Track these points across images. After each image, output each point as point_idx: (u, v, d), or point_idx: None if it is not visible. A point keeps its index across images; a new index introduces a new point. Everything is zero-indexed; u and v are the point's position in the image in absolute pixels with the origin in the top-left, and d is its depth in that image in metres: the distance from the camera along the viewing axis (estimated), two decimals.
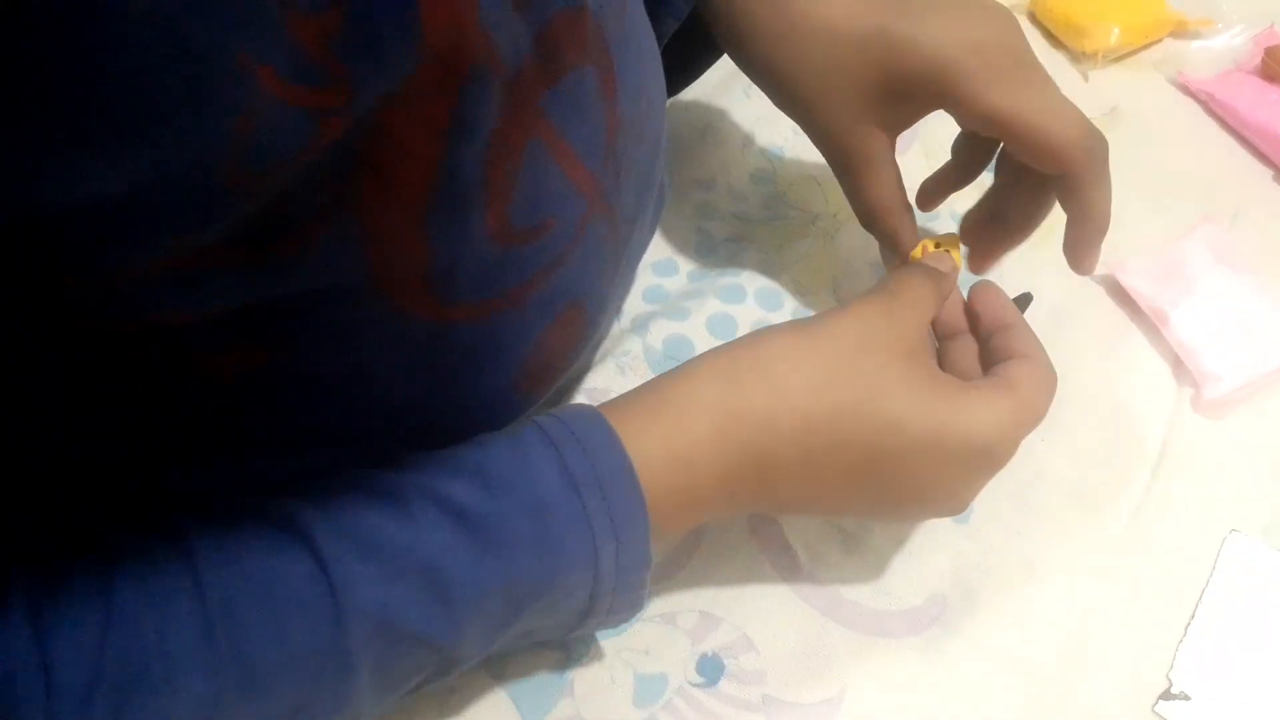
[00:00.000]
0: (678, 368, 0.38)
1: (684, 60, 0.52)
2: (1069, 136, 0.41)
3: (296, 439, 0.34)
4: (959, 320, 0.44)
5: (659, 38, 0.46)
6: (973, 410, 0.36)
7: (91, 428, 0.32)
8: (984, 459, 0.37)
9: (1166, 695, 0.42)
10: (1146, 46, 0.64)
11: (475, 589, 0.32)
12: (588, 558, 0.34)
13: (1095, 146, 0.41)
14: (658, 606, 0.44)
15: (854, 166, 0.45)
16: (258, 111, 0.23)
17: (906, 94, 0.43)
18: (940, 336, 0.44)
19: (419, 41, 0.25)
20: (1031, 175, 0.44)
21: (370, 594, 0.30)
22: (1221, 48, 0.63)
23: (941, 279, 0.43)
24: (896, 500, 0.39)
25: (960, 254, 0.47)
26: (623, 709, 0.42)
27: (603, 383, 0.50)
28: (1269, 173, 0.58)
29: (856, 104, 0.44)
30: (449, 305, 0.33)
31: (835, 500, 0.39)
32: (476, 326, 0.35)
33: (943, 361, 0.43)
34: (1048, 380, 0.39)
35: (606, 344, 0.52)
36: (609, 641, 0.43)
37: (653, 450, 0.35)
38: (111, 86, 0.20)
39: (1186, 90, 0.61)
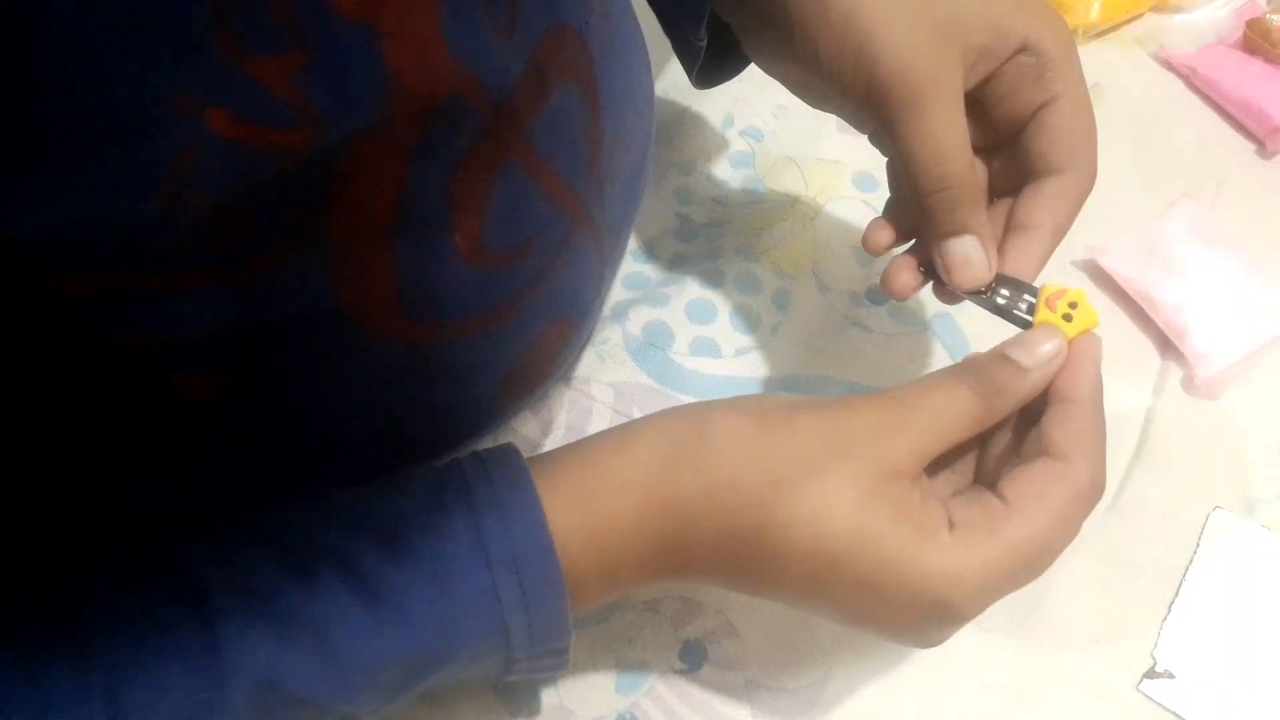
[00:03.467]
0: (622, 432, 0.35)
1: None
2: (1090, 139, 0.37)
3: (270, 458, 0.34)
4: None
5: (686, 46, 0.44)
6: (930, 557, 0.31)
7: (57, 444, 0.32)
8: (936, 614, 0.32)
9: (1151, 674, 0.42)
10: (1128, 21, 0.63)
11: (369, 656, 0.30)
12: (495, 631, 0.32)
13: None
14: (640, 593, 0.44)
15: (915, 99, 0.34)
16: (199, 149, 0.22)
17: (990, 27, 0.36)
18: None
19: (384, 78, 0.25)
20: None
21: (256, 655, 0.29)
22: (1203, 21, 0.63)
23: (1001, 394, 0.33)
24: (844, 622, 0.35)
25: (1089, 315, 0.35)
26: (606, 696, 0.41)
27: (583, 372, 0.50)
28: (1251, 146, 0.57)
29: (930, 25, 0.35)
30: (424, 327, 0.33)
31: (774, 599, 0.35)
32: (455, 347, 0.35)
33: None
34: (1066, 505, 0.31)
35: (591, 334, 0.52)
36: (591, 629, 0.42)
37: (576, 531, 0.33)
38: (35, 128, 0.20)
39: (1168, 65, 0.61)
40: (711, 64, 0.45)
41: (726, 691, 0.42)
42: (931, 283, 0.39)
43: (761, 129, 0.59)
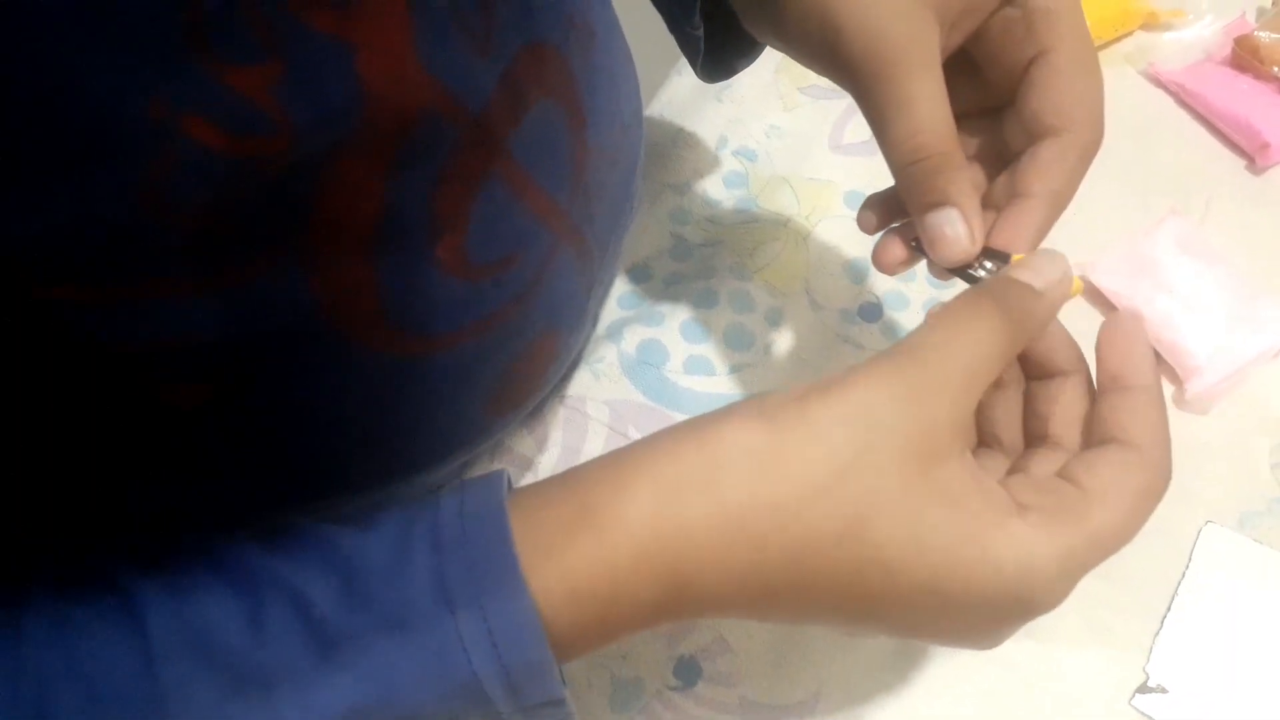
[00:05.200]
0: (618, 460, 0.29)
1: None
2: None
3: (264, 466, 0.35)
4: (1066, 357, 0.32)
5: (691, 38, 0.43)
6: (1000, 550, 0.27)
7: (56, 447, 0.32)
8: (1011, 611, 0.28)
9: (1143, 689, 0.42)
10: (1118, 39, 0.64)
11: (317, 709, 0.27)
12: (468, 683, 0.28)
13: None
14: None
15: (883, 70, 0.32)
16: (178, 157, 0.23)
17: None
18: (1031, 375, 0.33)
19: (359, 91, 0.26)
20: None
21: (200, 703, 0.27)
22: (1192, 39, 0.63)
23: (1023, 314, 0.30)
24: (901, 634, 0.30)
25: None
26: (600, 714, 0.42)
27: (579, 390, 0.50)
28: (1241, 162, 0.58)
29: None
30: (409, 340, 0.33)
31: (819, 625, 0.30)
32: (441, 360, 0.35)
33: (1027, 415, 0.33)
34: (1142, 497, 0.29)
35: (582, 351, 0.52)
36: None
37: (555, 579, 0.28)
38: (10, 135, 0.21)
39: (1158, 82, 0.61)
40: (718, 57, 0.44)
41: (721, 708, 0.42)
42: (925, 261, 0.36)
43: (755, 149, 0.60)
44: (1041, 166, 0.33)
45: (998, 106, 0.36)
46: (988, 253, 0.33)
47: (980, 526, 0.27)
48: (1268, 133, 0.57)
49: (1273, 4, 0.63)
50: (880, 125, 0.33)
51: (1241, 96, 0.59)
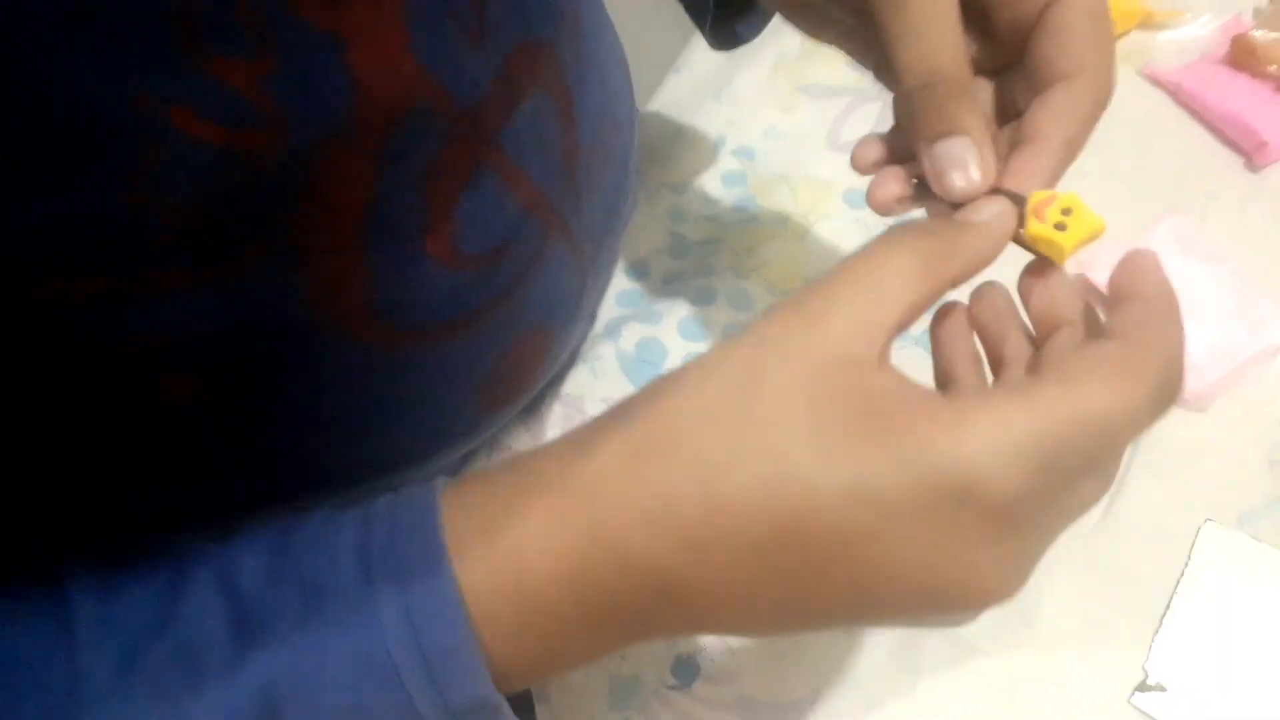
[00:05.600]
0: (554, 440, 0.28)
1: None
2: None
3: (252, 459, 0.35)
4: (1068, 307, 0.30)
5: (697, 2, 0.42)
6: (920, 434, 0.23)
7: (54, 445, 0.32)
8: (955, 511, 0.23)
9: (1143, 687, 0.42)
10: (1115, 39, 0.64)
11: (229, 695, 0.25)
12: (382, 665, 0.25)
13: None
14: None
15: None
16: (167, 149, 0.23)
17: None
18: (1040, 338, 0.30)
19: (350, 84, 0.26)
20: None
21: (106, 684, 0.25)
22: (1189, 38, 0.63)
23: (950, 249, 0.27)
24: (853, 603, 0.25)
25: (1087, 221, 0.29)
26: (598, 713, 0.42)
27: (576, 389, 0.50)
28: (1238, 160, 0.58)
29: None
30: (398, 332, 0.33)
31: (766, 615, 0.26)
32: (429, 352, 0.35)
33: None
34: (1123, 375, 0.24)
35: (579, 348, 0.52)
36: None
37: (475, 540, 0.26)
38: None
39: (1155, 81, 0.61)
40: (725, 22, 0.44)
41: (719, 706, 0.42)
42: (925, 209, 0.34)
43: (753, 148, 0.60)
44: (1053, 112, 0.31)
45: (1004, 67, 0.34)
46: (998, 194, 0.31)
47: (895, 416, 0.24)
48: (1265, 131, 0.57)
49: (1269, 3, 0.63)
50: (891, 48, 0.31)
51: (1239, 95, 0.59)
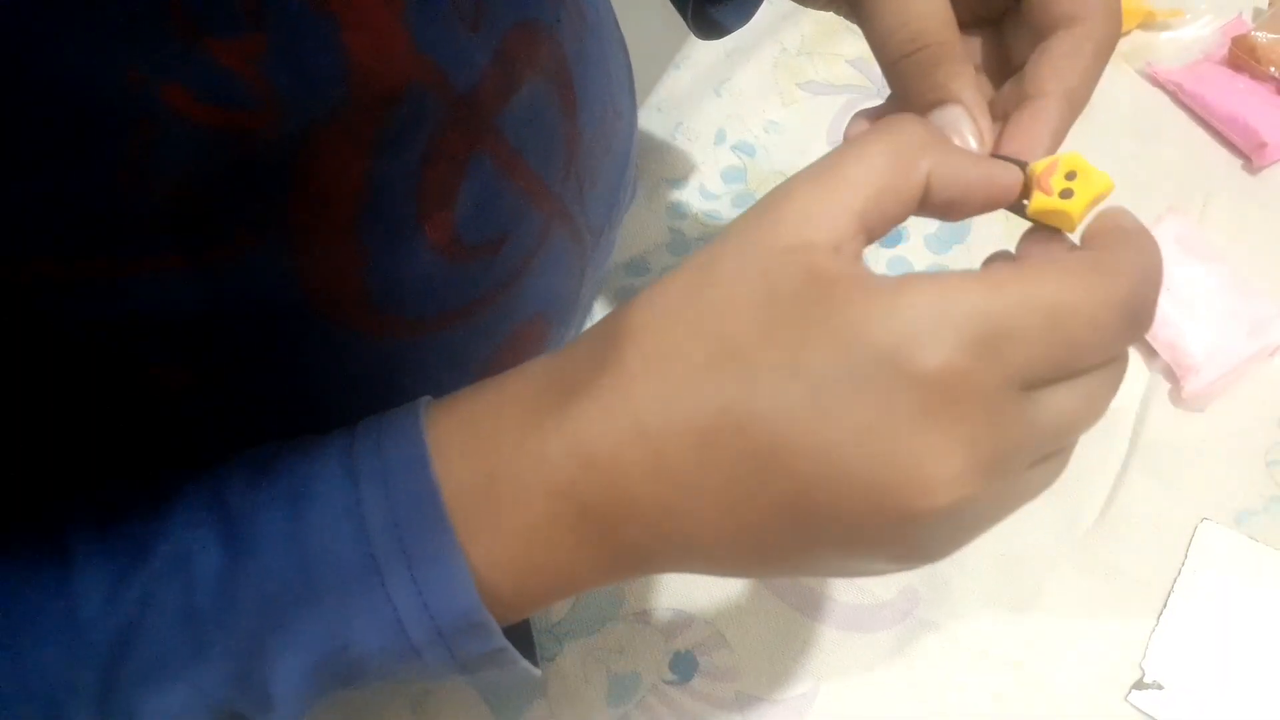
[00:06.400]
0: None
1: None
2: None
3: (245, 448, 0.34)
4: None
5: None
6: (864, 301, 0.23)
7: (35, 431, 0.32)
8: (896, 376, 0.22)
9: (1139, 685, 0.42)
10: None
11: (227, 602, 0.26)
12: (369, 578, 0.26)
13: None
14: (631, 605, 0.44)
15: None
16: (157, 128, 0.23)
17: None
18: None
19: (345, 65, 0.25)
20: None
21: (113, 610, 0.26)
22: (1190, 38, 0.63)
23: (917, 141, 0.26)
24: (806, 516, 0.24)
25: (1094, 185, 0.27)
26: (597, 708, 0.42)
27: None
28: (1238, 161, 0.58)
29: None
30: (395, 321, 0.33)
31: (756, 560, 0.26)
32: (427, 343, 0.35)
33: None
34: (1091, 275, 0.23)
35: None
36: (582, 641, 0.43)
37: (456, 438, 0.27)
38: None
39: (1155, 81, 0.61)
40: (707, 13, 0.43)
41: (717, 702, 0.42)
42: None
43: (753, 144, 0.60)
44: (1054, 62, 0.29)
45: (998, 16, 0.32)
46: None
47: (833, 288, 0.23)
48: (1265, 132, 0.57)
49: (1269, 4, 0.63)
50: (874, 18, 0.29)
51: (1239, 96, 0.59)
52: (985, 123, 0.29)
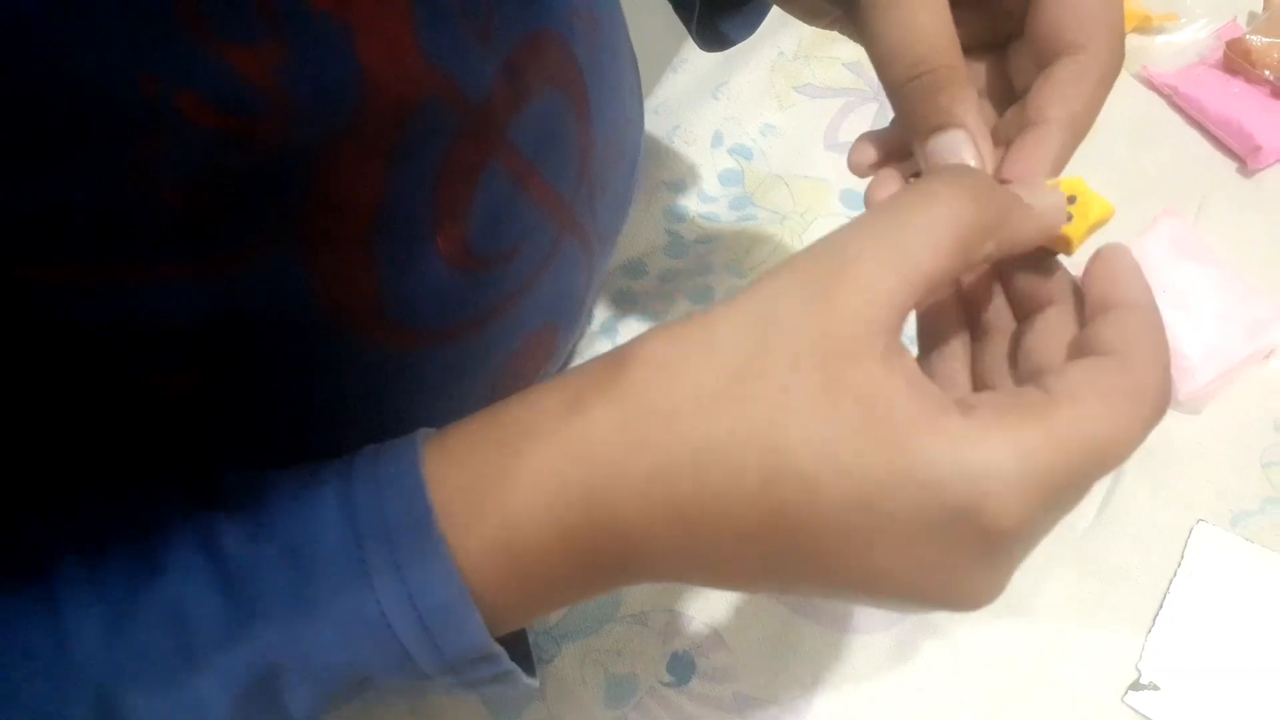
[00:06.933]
0: (533, 387, 0.28)
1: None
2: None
3: (252, 458, 0.34)
4: (1056, 286, 0.28)
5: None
6: (932, 451, 0.22)
7: (40, 438, 0.32)
8: (962, 532, 0.23)
9: (1136, 686, 0.42)
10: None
11: (224, 650, 0.26)
12: (374, 620, 0.26)
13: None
14: (629, 606, 0.44)
15: None
16: (170, 134, 0.23)
17: None
18: (1020, 315, 0.29)
19: (358, 76, 0.25)
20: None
21: (102, 657, 0.25)
22: (1185, 42, 0.63)
23: (990, 204, 0.25)
24: (836, 588, 0.25)
25: (1095, 208, 0.28)
26: (594, 710, 0.42)
27: None
28: (1233, 164, 0.58)
29: None
30: (407, 332, 0.33)
31: (748, 583, 0.26)
32: (438, 353, 0.35)
33: (1018, 357, 0.28)
34: (1125, 398, 0.24)
35: (577, 345, 0.52)
36: (580, 643, 0.43)
37: (457, 493, 0.26)
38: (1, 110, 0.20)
39: (1150, 84, 0.62)
40: (714, 25, 0.43)
41: (714, 704, 0.42)
42: None
43: (750, 147, 0.60)
44: (1058, 89, 0.29)
45: (1002, 40, 0.32)
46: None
47: (907, 428, 0.23)
48: (1259, 135, 0.57)
49: (1264, 8, 0.63)
50: (877, 41, 0.29)
51: (1233, 99, 0.59)
52: (987, 148, 0.29)
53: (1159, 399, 0.24)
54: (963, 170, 0.27)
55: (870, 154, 0.33)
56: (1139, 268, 0.27)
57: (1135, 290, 0.26)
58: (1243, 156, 0.58)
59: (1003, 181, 0.29)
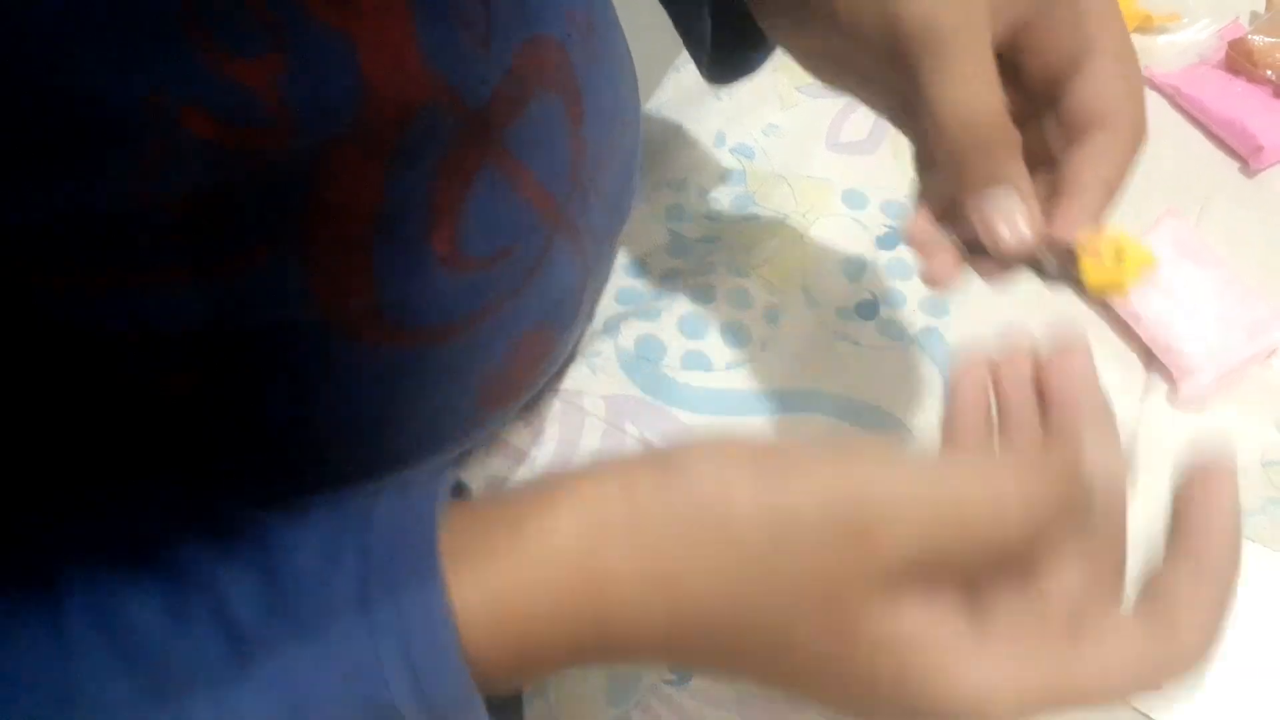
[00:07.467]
0: (552, 489, 0.27)
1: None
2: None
3: (252, 457, 0.34)
4: (1084, 388, 0.32)
5: (696, 33, 0.43)
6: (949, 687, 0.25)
7: (43, 441, 0.32)
8: None
9: None
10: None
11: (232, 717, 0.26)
12: (384, 706, 0.26)
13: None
14: None
15: (939, 44, 0.31)
16: (175, 147, 0.23)
17: None
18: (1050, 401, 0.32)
19: (360, 85, 0.26)
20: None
21: (112, 700, 0.25)
22: (1187, 42, 0.63)
23: (1052, 490, 0.27)
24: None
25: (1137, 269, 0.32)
26: (596, 708, 0.42)
27: (575, 385, 0.50)
28: (1235, 164, 0.58)
29: None
30: (403, 333, 0.33)
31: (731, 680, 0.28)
32: (434, 352, 0.35)
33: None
34: (1144, 664, 0.27)
35: (579, 345, 0.52)
36: None
37: (478, 606, 0.26)
38: (7, 122, 0.20)
39: (1153, 84, 0.62)
40: (724, 57, 0.44)
41: (716, 702, 0.42)
42: (972, 266, 0.35)
43: (752, 147, 0.60)
44: (1091, 158, 0.32)
45: (1034, 114, 0.35)
46: (1047, 242, 0.32)
47: (910, 660, 0.25)
48: (1261, 135, 0.57)
49: (1266, 8, 0.63)
50: (933, 102, 0.31)
51: (1236, 100, 0.59)
52: (1034, 206, 0.32)
53: (1195, 664, 0.27)
54: (1029, 461, 0.27)
55: (927, 228, 0.35)
56: (1235, 495, 0.29)
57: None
58: (1245, 157, 0.58)
59: (1050, 238, 0.32)
